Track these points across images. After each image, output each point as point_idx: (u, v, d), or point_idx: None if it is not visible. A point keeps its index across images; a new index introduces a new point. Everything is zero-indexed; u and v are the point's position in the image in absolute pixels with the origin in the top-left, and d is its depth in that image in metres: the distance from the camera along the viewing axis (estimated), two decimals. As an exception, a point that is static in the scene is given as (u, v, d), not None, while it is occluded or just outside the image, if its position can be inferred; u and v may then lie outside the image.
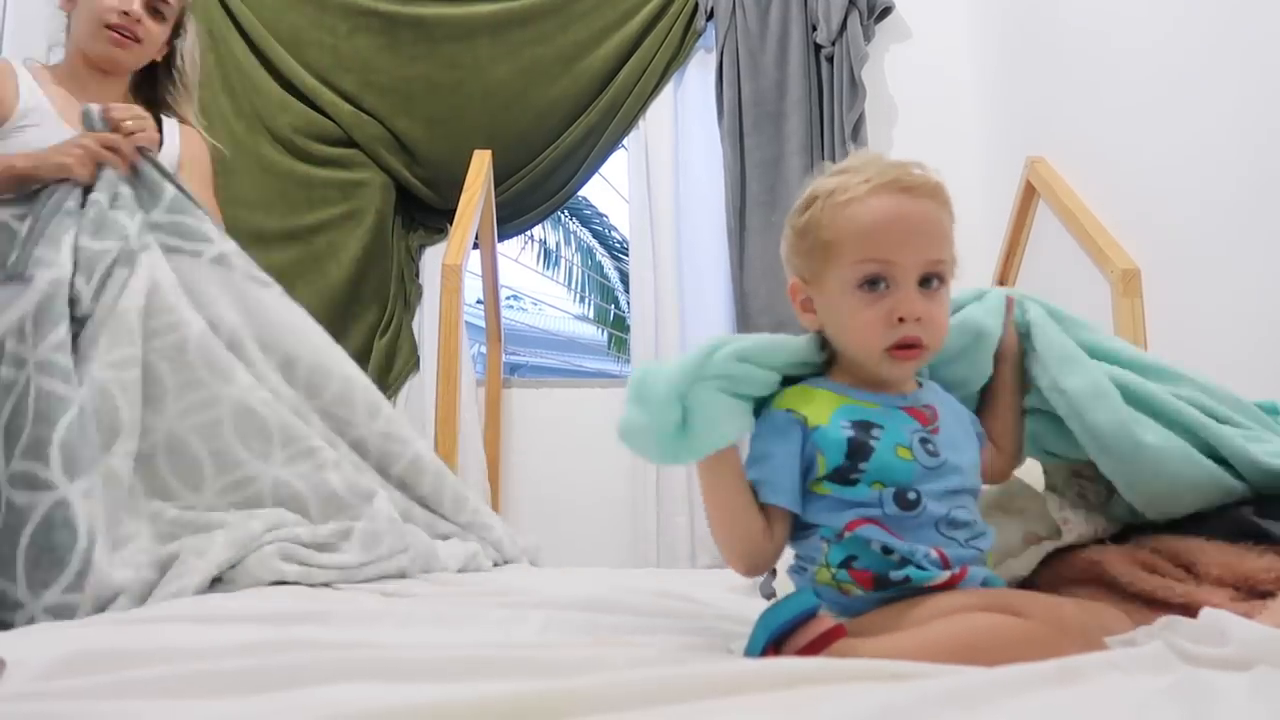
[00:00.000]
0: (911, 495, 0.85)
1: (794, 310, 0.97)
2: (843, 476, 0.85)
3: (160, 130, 1.71)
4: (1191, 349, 1.87)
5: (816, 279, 0.92)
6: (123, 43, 1.64)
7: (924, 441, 0.88)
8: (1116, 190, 2.18)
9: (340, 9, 3.01)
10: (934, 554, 0.84)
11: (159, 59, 1.76)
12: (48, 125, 1.60)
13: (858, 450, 0.85)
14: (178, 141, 1.76)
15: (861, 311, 0.87)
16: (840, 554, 0.86)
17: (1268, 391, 1.27)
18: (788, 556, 0.94)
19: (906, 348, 0.87)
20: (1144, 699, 0.56)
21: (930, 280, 0.88)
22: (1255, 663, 0.64)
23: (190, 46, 1.78)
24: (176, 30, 1.75)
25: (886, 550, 0.83)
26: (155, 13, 1.68)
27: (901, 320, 0.86)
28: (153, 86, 1.79)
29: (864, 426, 0.87)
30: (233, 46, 2.98)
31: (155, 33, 1.69)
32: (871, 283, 0.87)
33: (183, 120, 1.80)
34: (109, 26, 1.63)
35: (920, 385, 0.96)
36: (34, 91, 1.62)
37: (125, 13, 1.63)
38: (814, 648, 0.74)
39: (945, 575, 0.83)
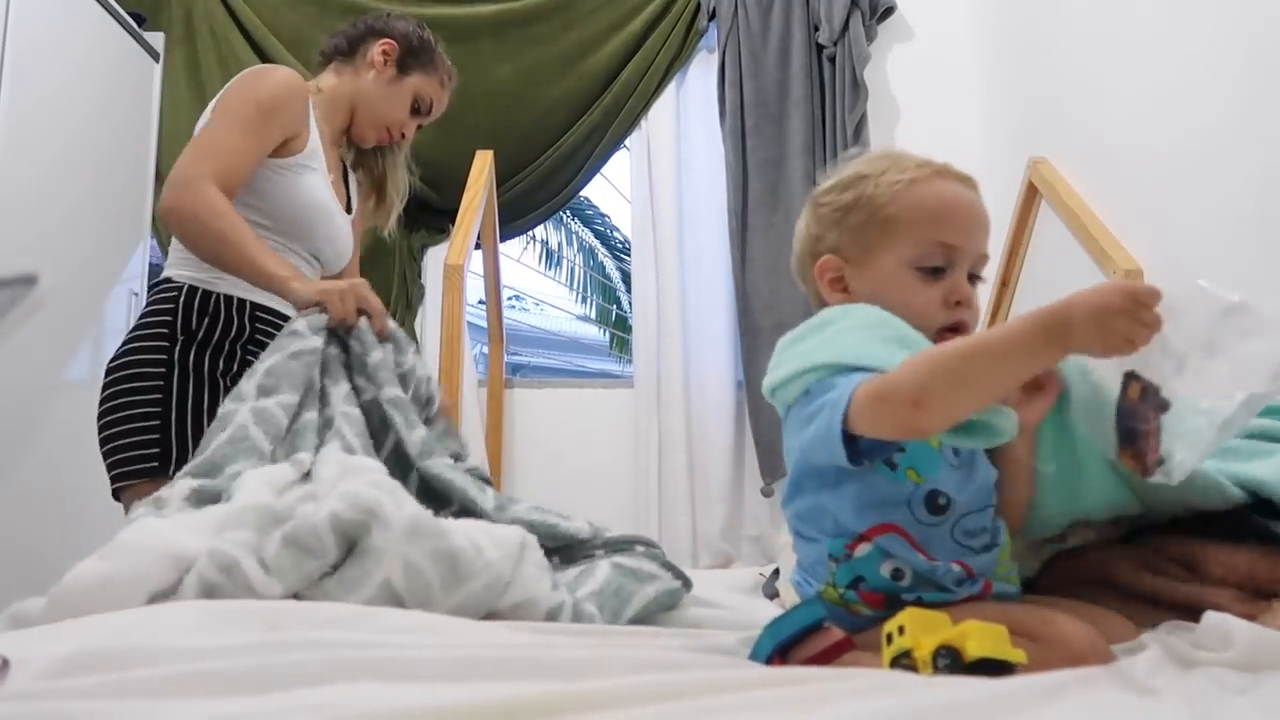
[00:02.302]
0: (942, 500, 0.83)
1: (806, 298, 0.96)
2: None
3: (346, 186, 1.73)
4: (1194, 350, 1.87)
5: (865, 255, 0.92)
6: (386, 141, 1.72)
7: None
8: (1119, 190, 2.18)
9: (341, 9, 3.01)
10: (956, 568, 0.82)
11: None
12: (319, 174, 1.58)
13: None
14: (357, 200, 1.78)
15: (921, 290, 0.89)
16: (848, 575, 0.84)
17: (1271, 392, 1.27)
18: (787, 565, 0.92)
19: (953, 330, 0.89)
20: (1148, 705, 0.56)
21: (974, 278, 0.92)
22: (1260, 667, 0.64)
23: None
24: None
25: (896, 574, 0.82)
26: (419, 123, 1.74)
27: (958, 304, 0.89)
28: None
29: None
30: (235, 46, 2.98)
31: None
32: (934, 269, 0.89)
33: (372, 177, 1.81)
34: (387, 128, 1.69)
35: None
36: (314, 128, 1.59)
37: (403, 130, 1.71)
38: (821, 659, 0.73)
39: (963, 595, 0.82)
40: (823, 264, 0.94)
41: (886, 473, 0.83)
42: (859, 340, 0.81)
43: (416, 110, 1.71)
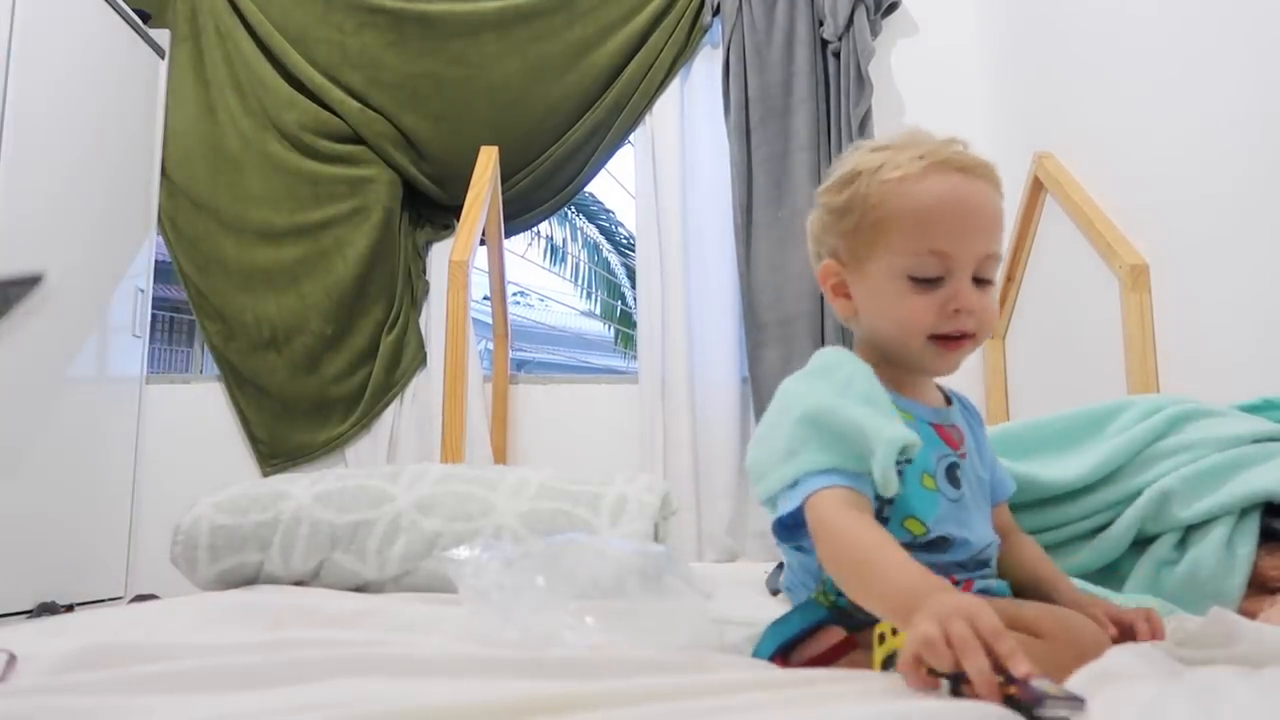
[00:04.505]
0: (945, 542, 0.79)
1: (815, 299, 0.93)
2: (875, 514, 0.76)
3: None
4: (1199, 344, 1.86)
5: (858, 261, 0.83)
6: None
7: (951, 468, 0.82)
8: (1124, 185, 2.17)
9: (347, 6, 3.01)
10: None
11: None
12: None
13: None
14: None
15: (910, 298, 0.80)
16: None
17: (1276, 386, 1.27)
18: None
19: (958, 339, 0.80)
20: (1151, 700, 0.56)
21: (981, 281, 0.81)
22: (1263, 662, 0.64)
23: None
24: None
25: None
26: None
27: (957, 312, 0.79)
28: None
29: None
30: (240, 44, 2.99)
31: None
32: (930, 279, 0.79)
33: None
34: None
35: (950, 403, 0.90)
36: None
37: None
38: (824, 659, 0.72)
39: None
40: (823, 270, 0.87)
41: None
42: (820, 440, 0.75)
43: None
